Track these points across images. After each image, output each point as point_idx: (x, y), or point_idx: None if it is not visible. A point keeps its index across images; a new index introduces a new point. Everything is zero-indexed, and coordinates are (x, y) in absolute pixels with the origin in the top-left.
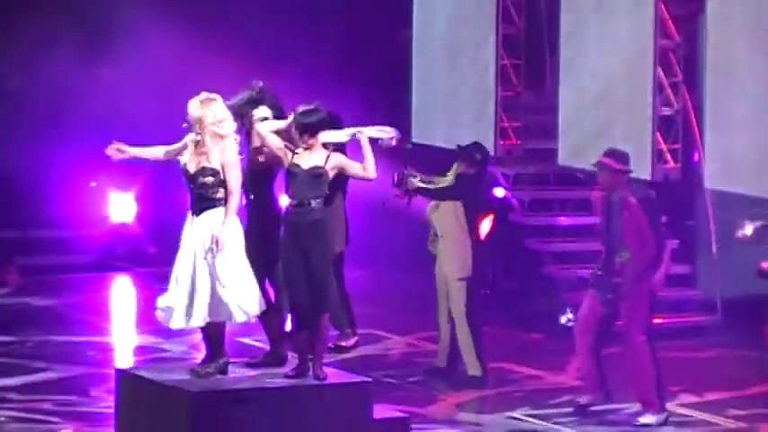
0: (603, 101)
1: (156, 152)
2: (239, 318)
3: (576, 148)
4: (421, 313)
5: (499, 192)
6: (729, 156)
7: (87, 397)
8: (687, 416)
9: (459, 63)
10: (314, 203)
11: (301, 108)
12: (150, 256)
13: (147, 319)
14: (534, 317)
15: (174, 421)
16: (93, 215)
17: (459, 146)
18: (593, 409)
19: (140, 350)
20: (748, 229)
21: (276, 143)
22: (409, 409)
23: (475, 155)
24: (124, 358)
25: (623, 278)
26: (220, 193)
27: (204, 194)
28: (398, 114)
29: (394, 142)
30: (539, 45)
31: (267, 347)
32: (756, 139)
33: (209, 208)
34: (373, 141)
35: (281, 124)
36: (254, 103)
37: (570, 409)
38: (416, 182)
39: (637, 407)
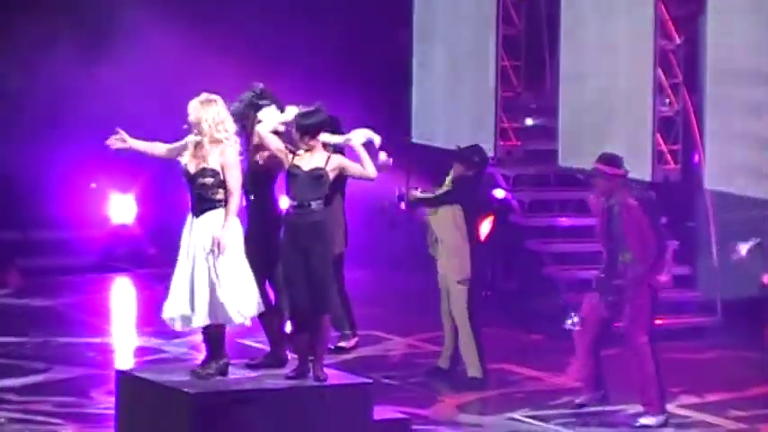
0: (603, 102)
1: (159, 148)
2: (237, 320)
3: (576, 149)
4: (421, 314)
5: (499, 193)
6: (729, 157)
7: (87, 398)
8: (687, 417)
9: (459, 64)
10: (314, 205)
11: (302, 109)
12: (150, 257)
13: (148, 320)
14: (534, 318)
15: (174, 422)
16: (93, 216)
17: (458, 147)
18: (594, 410)
19: (140, 351)
20: (743, 249)
21: (276, 145)
22: (410, 410)
23: (473, 157)
24: (124, 359)
25: (625, 280)
26: (220, 195)
27: (204, 195)
28: (398, 114)
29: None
30: (539, 46)
31: (267, 348)
32: (756, 140)
33: (209, 209)
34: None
35: (281, 118)
36: (256, 106)
37: (570, 411)
38: (417, 194)
39: (636, 408)
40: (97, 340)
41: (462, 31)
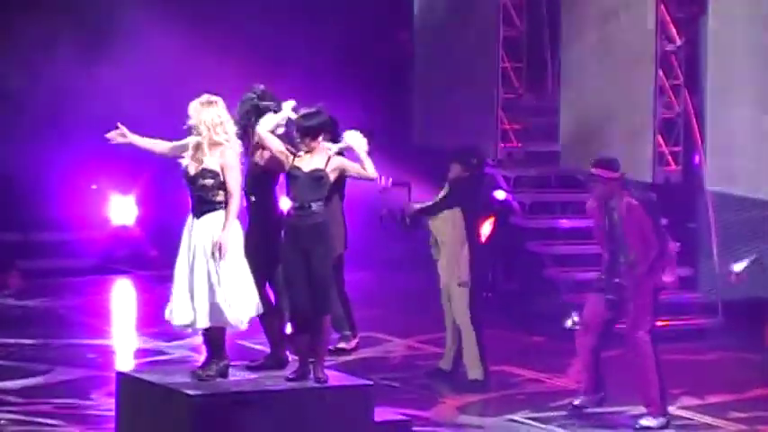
0: (604, 103)
1: (160, 146)
2: (234, 324)
3: (577, 150)
4: (421, 315)
5: (500, 194)
6: (730, 158)
7: (88, 400)
8: (688, 419)
9: (460, 65)
10: (315, 206)
11: (303, 111)
12: (151, 258)
13: (148, 321)
14: (535, 319)
15: (174, 424)
16: (93, 218)
17: (455, 148)
18: (594, 411)
19: (141, 353)
20: (738, 267)
21: (277, 146)
22: (410, 411)
23: (470, 158)
24: (125, 361)
25: (626, 280)
26: (220, 196)
27: (204, 197)
28: (399, 115)
29: (390, 184)
30: (540, 47)
31: (268, 350)
32: (757, 141)
33: (209, 211)
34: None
35: (279, 117)
36: (258, 108)
37: (568, 412)
38: (415, 206)
39: (636, 410)
40: (98, 342)
41: (463, 31)
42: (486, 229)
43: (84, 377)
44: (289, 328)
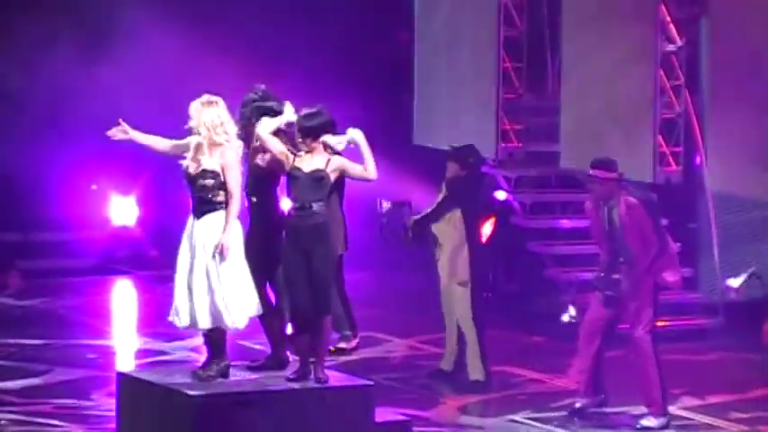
0: (605, 103)
1: (161, 143)
2: (230, 326)
3: (577, 150)
4: (421, 315)
5: (501, 194)
6: (731, 159)
7: (88, 400)
8: (689, 419)
9: (461, 65)
10: (315, 206)
11: (304, 111)
12: (151, 259)
13: (148, 322)
14: (536, 319)
15: (175, 424)
16: (94, 218)
17: (451, 147)
18: (594, 411)
19: (141, 353)
20: (735, 283)
21: (277, 147)
22: (411, 412)
23: (466, 157)
24: (125, 361)
25: (625, 277)
26: (221, 197)
27: (204, 197)
28: (399, 115)
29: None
30: (540, 47)
31: (268, 350)
32: (758, 141)
33: (209, 211)
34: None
35: (280, 120)
36: (260, 109)
37: (569, 412)
38: (415, 218)
39: (637, 409)
40: (98, 342)
41: (463, 32)
42: (486, 229)
43: (85, 377)
44: (289, 329)
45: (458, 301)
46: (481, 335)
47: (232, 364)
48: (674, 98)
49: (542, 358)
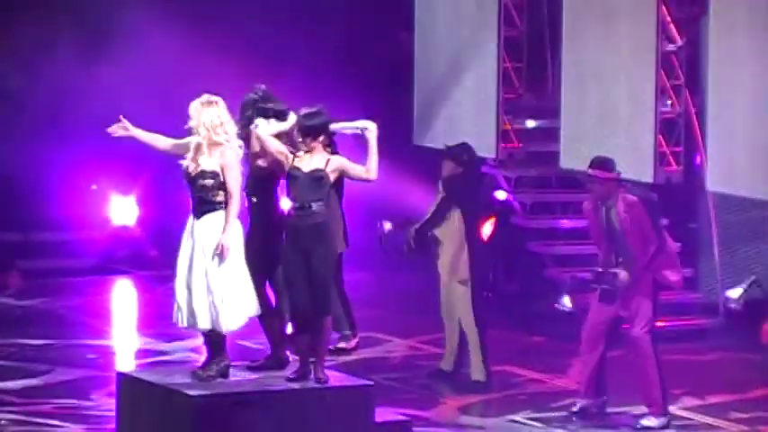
0: (605, 103)
1: (162, 142)
2: (228, 327)
3: (577, 150)
4: (421, 315)
5: (501, 194)
6: (731, 158)
7: (88, 400)
8: (689, 419)
9: (461, 65)
10: (315, 206)
11: (304, 110)
12: (151, 259)
13: (148, 322)
14: (536, 319)
15: (175, 424)
16: (94, 218)
17: (446, 146)
18: (594, 412)
19: (141, 353)
20: (735, 294)
21: (277, 147)
22: (411, 412)
23: (462, 155)
24: (125, 361)
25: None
26: (220, 197)
27: (204, 197)
28: (399, 115)
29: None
30: (540, 47)
31: (268, 350)
32: (758, 141)
33: (209, 211)
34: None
35: (281, 127)
36: (261, 110)
37: (570, 413)
38: (416, 227)
39: (637, 409)
40: (98, 342)
41: (463, 32)
42: (487, 229)
43: (85, 377)
44: (289, 329)
45: (459, 300)
46: (483, 335)
47: (232, 364)
48: (674, 98)
49: (542, 358)
